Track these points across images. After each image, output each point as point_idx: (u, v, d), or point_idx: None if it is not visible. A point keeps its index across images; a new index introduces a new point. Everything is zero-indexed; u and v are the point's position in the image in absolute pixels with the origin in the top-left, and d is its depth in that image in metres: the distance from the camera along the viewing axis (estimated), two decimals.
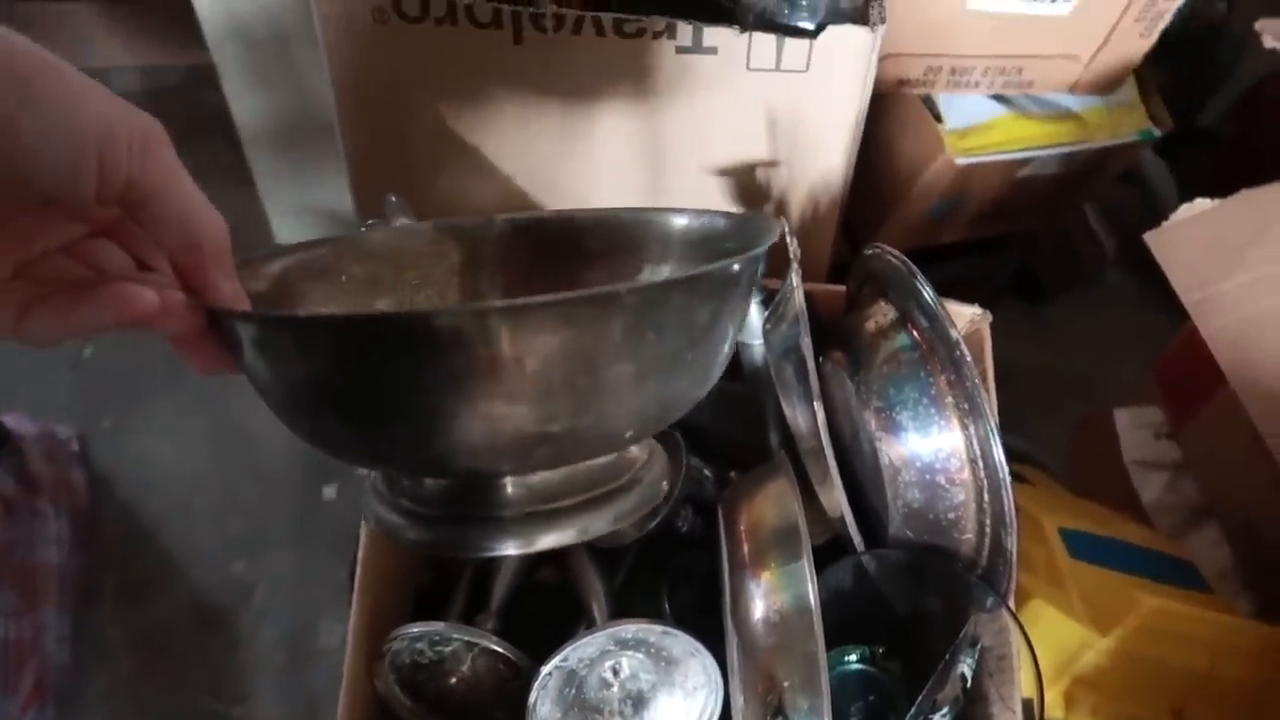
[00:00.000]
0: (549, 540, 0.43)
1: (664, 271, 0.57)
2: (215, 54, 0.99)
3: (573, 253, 0.59)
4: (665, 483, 0.51)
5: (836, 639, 0.62)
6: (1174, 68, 1.26)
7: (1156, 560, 0.78)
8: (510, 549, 0.43)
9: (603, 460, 0.47)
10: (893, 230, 1.04)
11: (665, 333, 0.38)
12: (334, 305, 0.53)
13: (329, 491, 1.20)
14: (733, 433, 0.74)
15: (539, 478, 0.44)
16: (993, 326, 1.26)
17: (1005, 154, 0.93)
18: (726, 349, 0.45)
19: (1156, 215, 0.78)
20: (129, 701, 1.06)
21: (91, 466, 1.19)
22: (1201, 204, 0.76)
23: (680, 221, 0.56)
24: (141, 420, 1.24)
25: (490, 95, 0.67)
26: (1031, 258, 1.29)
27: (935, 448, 0.54)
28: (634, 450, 0.51)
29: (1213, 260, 0.73)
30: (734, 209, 0.73)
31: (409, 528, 0.45)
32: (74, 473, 1.16)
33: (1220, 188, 0.76)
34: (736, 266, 0.40)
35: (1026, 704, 0.57)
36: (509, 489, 0.44)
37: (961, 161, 0.90)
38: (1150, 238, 0.77)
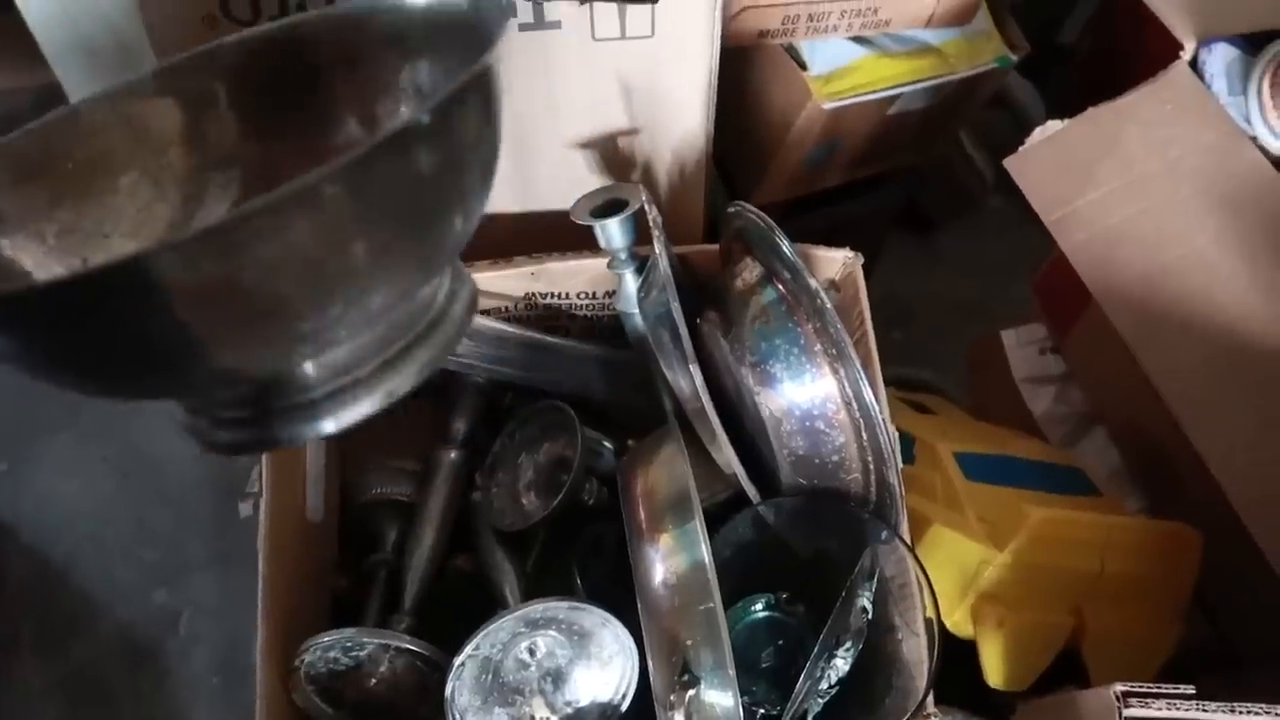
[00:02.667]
0: (358, 412, 0.42)
1: (422, 67, 0.50)
2: (59, 72, 0.95)
3: (311, 70, 0.52)
4: (468, 304, 0.48)
5: (745, 590, 0.63)
6: None
7: (1047, 471, 0.82)
8: (325, 428, 0.42)
9: (393, 317, 0.43)
10: (774, 181, 1.05)
11: (398, 189, 0.35)
12: (64, 211, 0.48)
13: (244, 508, 1.18)
14: (627, 399, 0.75)
15: (334, 354, 0.41)
16: (887, 262, 1.29)
17: (871, 94, 0.95)
18: (480, 176, 0.41)
19: (1028, 136, 0.80)
20: None
21: None
22: (1053, 125, 0.78)
23: (416, 5, 0.49)
24: (40, 459, 1.19)
25: None
26: (916, 191, 1.32)
27: (810, 395, 0.55)
28: (424, 292, 0.45)
29: (1067, 179, 0.76)
30: (601, 181, 0.73)
31: (222, 433, 0.43)
32: None
33: (1085, 103, 0.78)
34: (433, 113, 0.35)
35: (928, 624, 0.59)
36: (309, 371, 0.41)
37: (829, 106, 0.92)
38: (1009, 163, 0.80)
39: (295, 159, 0.51)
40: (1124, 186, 0.74)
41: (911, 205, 1.36)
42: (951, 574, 0.71)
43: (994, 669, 0.71)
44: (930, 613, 0.58)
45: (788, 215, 1.08)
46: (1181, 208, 0.73)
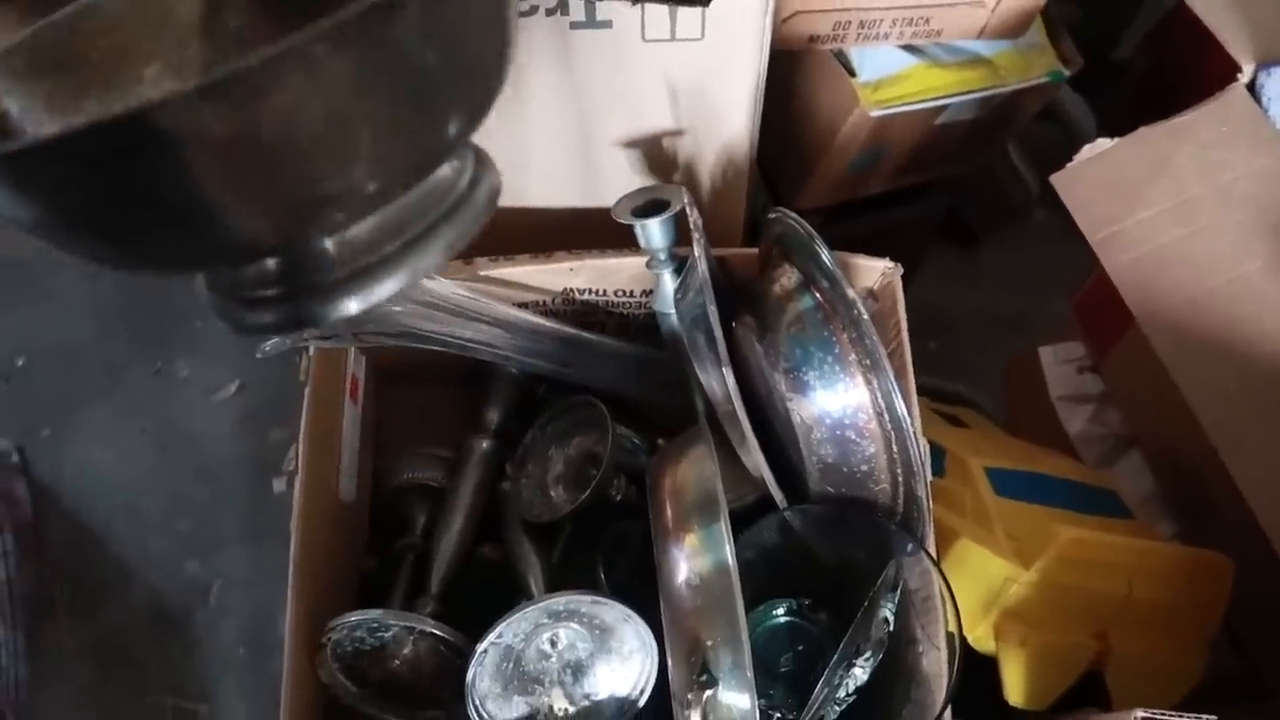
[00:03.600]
0: (381, 290, 0.42)
1: None
2: None
3: None
4: (491, 192, 0.48)
5: (767, 594, 0.64)
6: (1086, 3, 1.28)
7: (1079, 491, 0.81)
8: (350, 307, 0.42)
9: (416, 194, 0.43)
10: (817, 186, 1.05)
11: (403, 57, 0.35)
12: (91, 101, 0.48)
13: (278, 485, 1.20)
14: (659, 399, 0.75)
15: (356, 231, 0.42)
16: (927, 272, 1.28)
17: (920, 103, 0.94)
18: (500, 47, 0.42)
19: (1076, 152, 0.79)
20: (92, 709, 1.06)
21: (33, 478, 1.18)
22: (1103, 144, 0.78)
23: None
24: (81, 428, 1.22)
25: None
26: (959, 202, 1.31)
27: (842, 404, 0.56)
28: (446, 173, 0.46)
29: (1115, 199, 0.75)
30: (643, 180, 0.74)
31: (249, 313, 0.43)
32: (15, 484, 1.14)
33: (1136, 120, 0.77)
34: None
35: (950, 638, 0.59)
36: (332, 250, 0.42)
37: (876, 114, 0.91)
38: (1057, 179, 0.79)
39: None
40: (1173, 209, 0.73)
41: (954, 217, 1.35)
42: (976, 589, 0.71)
43: (1014, 687, 0.70)
44: (952, 627, 0.58)
45: (830, 221, 1.08)
46: (1232, 233, 0.72)
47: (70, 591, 1.13)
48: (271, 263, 0.43)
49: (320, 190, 0.36)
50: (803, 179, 1.04)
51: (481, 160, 0.48)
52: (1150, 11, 1.34)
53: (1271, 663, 0.79)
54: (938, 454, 0.83)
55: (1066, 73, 1.01)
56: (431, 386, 0.83)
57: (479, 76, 0.40)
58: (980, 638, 0.72)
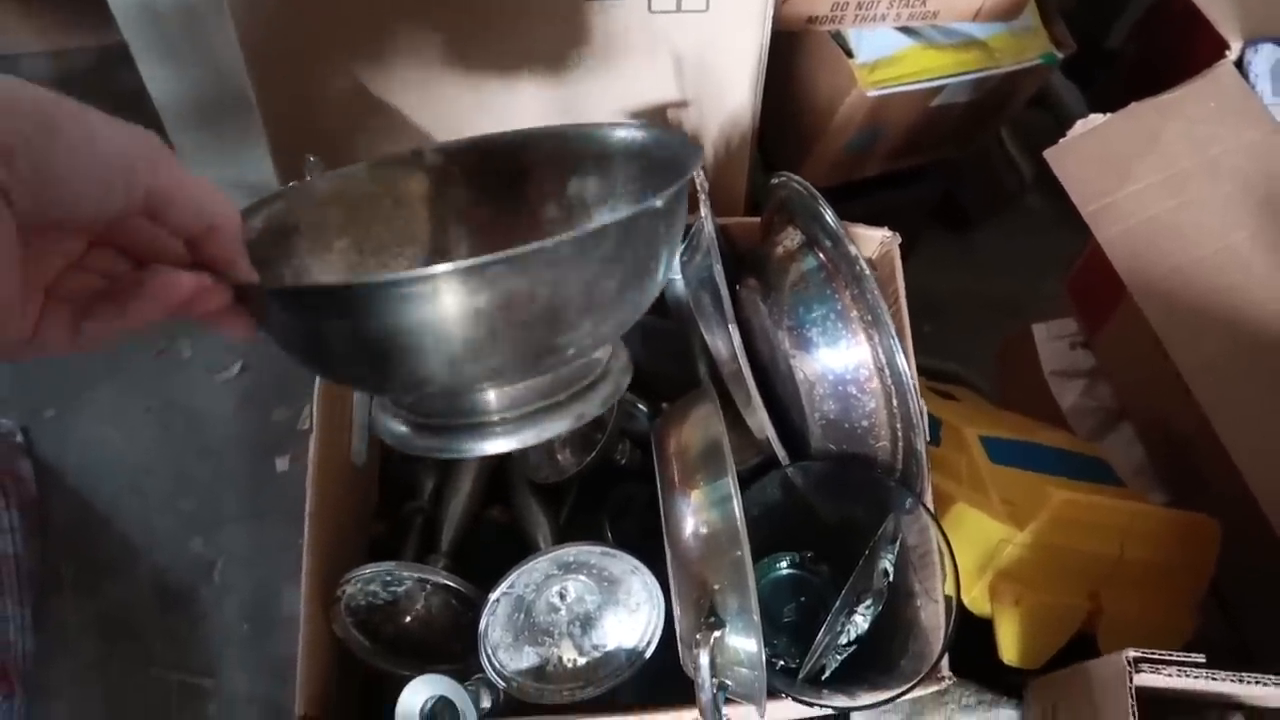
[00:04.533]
0: (550, 430, 0.52)
1: (590, 183, 0.62)
2: (126, 34, 0.98)
3: (514, 169, 0.63)
4: (628, 374, 0.59)
5: (771, 550, 0.65)
6: None
7: (1071, 460, 0.83)
8: (514, 444, 0.51)
9: (583, 359, 0.54)
10: (815, 166, 1.07)
11: (616, 262, 0.44)
12: (307, 257, 0.59)
13: (281, 464, 1.21)
14: (664, 367, 0.77)
15: (533, 382, 0.51)
16: (923, 256, 1.30)
17: (916, 84, 0.96)
18: (677, 248, 0.52)
19: None
20: (97, 683, 1.07)
21: (38, 457, 1.19)
22: (1095, 119, 0.80)
23: (616, 134, 0.60)
24: (84, 408, 1.23)
25: (403, 52, 0.69)
26: (954, 186, 1.33)
27: (845, 360, 0.57)
28: (599, 354, 0.57)
29: (1106, 172, 0.77)
30: None
31: (415, 437, 0.53)
32: (20, 464, 1.15)
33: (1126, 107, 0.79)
34: (664, 200, 0.45)
35: (947, 598, 0.61)
36: (508, 393, 0.51)
37: (873, 94, 0.93)
38: (1050, 154, 0.81)
39: (511, 222, 0.64)
40: (1163, 181, 0.75)
41: (950, 202, 1.37)
42: (972, 552, 0.73)
43: (1009, 646, 0.72)
44: (950, 579, 0.60)
45: (827, 199, 1.10)
46: (1220, 205, 0.74)
47: (75, 568, 1.14)
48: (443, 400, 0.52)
49: (559, 340, 0.45)
50: (800, 159, 1.06)
51: (618, 349, 0.59)
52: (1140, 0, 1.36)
53: (1257, 628, 0.82)
54: (934, 424, 0.84)
55: (1059, 55, 1.03)
56: None
57: (662, 270, 0.50)
58: (976, 599, 0.73)
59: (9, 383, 1.24)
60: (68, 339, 0.36)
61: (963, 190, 1.36)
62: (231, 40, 0.69)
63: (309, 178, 0.64)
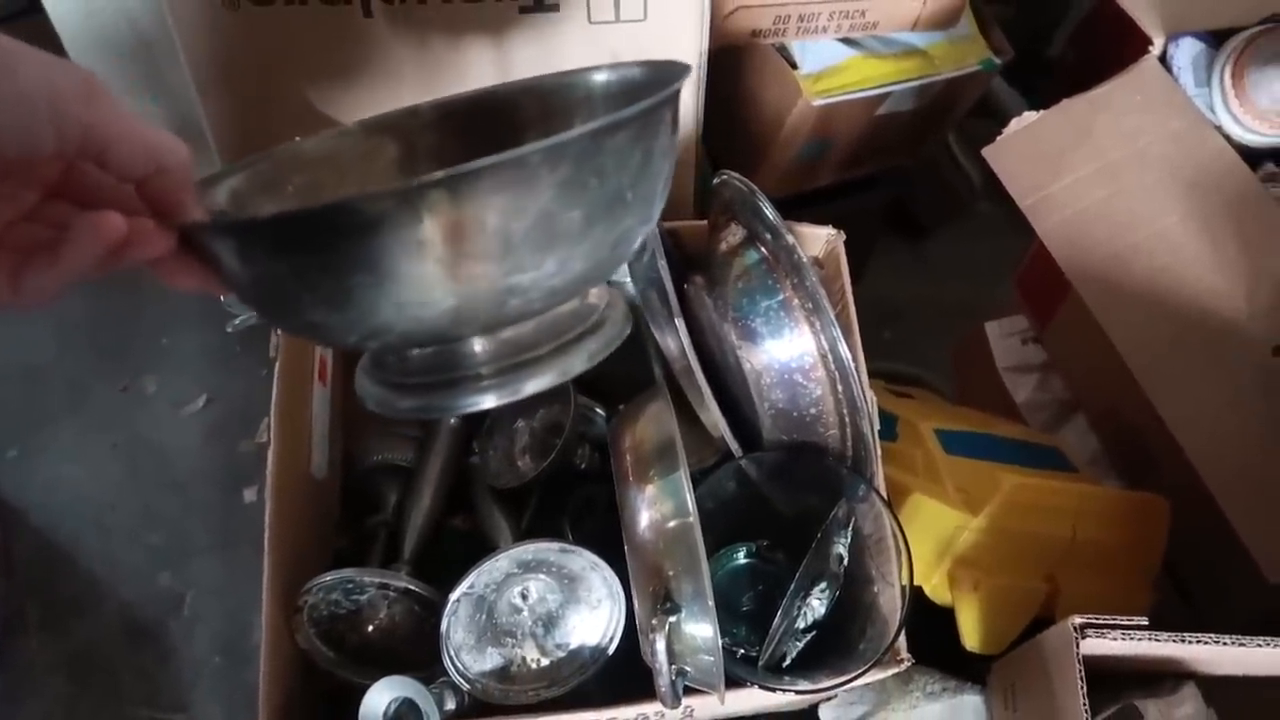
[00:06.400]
0: (532, 385, 0.47)
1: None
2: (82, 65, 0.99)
3: (507, 127, 0.60)
4: (626, 325, 0.55)
5: (727, 542, 0.66)
6: (1020, 3, 1.34)
7: (1025, 449, 0.85)
8: (495, 400, 0.47)
9: (568, 307, 0.50)
10: (767, 178, 1.09)
11: (577, 188, 0.40)
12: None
13: (249, 494, 1.21)
14: (620, 372, 0.78)
15: (512, 332, 0.47)
16: (878, 265, 1.32)
17: (860, 92, 0.99)
18: (663, 185, 0.48)
19: None
20: None
21: (0, 498, 1.18)
22: (1029, 117, 0.82)
23: (599, 77, 0.58)
24: (47, 446, 1.22)
25: (349, 71, 0.70)
26: (906, 195, 1.35)
27: (789, 349, 0.59)
28: (594, 295, 0.54)
29: (1042, 166, 0.80)
30: None
31: (399, 398, 0.49)
32: None
33: None
34: (659, 101, 0.42)
35: (903, 582, 0.62)
36: (486, 347, 0.47)
37: (819, 103, 0.96)
38: (988, 152, 0.83)
39: None
40: (1095, 172, 0.78)
41: (903, 211, 1.40)
42: (929, 541, 0.74)
43: (970, 632, 0.73)
44: (904, 563, 0.61)
45: (781, 210, 1.12)
46: (1150, 191, 0.76)
47: (41, 608, 1.13)
48: (422, 354, 0.49)
49: (522, 280, 0.41)
50: (752, 171, 1.07)
51: (615, 300, 0.55)
52: (1079, 8, 1.41)
53: (1210, 602, 0.83)
54: (889, 420, 0.86)
55: (998, 61, 1.06)
56: None
57: (649, 204, 0.46)
58: (936, 587, 0.74)
59: None
60: (8, 292, 0.35)
61: (915, 199, 1.39)
62: (183, 72, 0.70)
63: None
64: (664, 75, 0.51)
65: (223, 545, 1.18)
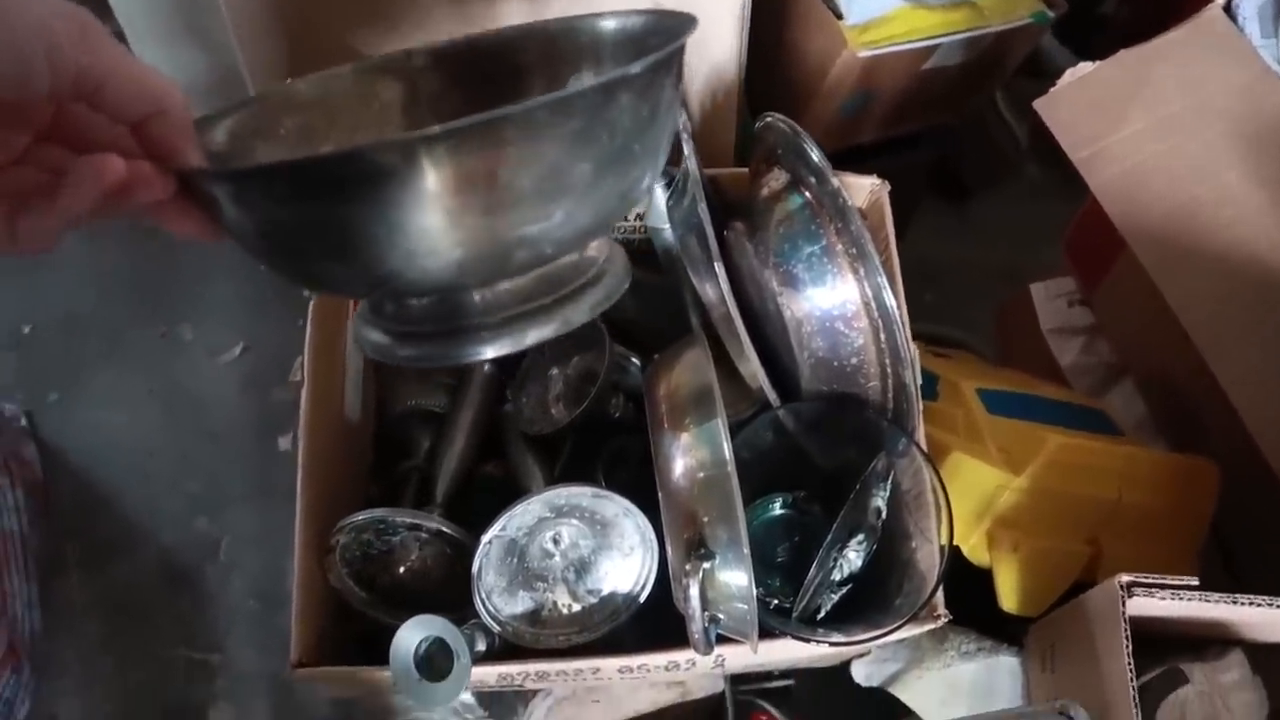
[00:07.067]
0: (534, 335, 0.47)
1: (587, 80, 0.57)
2: (122, 19, 0.98)
3: (508, 72, 0.59)
4: (625, 278, 0.54)
5: (763, 493, 0.65)
6: None
7: (1070, 410, 0.83)
8: (496, 350, 0.46)
9: (570, 258, 0.50)
10: (810, 131, 1.06)
11: (588, 142, 0.40)
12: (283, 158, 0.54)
13: (284, 443, 1.22)
14: (657, 323, 0.77)
15: (514, 283, 0.47)
16: (921, 226, 1.30)
17: (907, 44, 0.96)
18: (668, 137, 0.48)
19: None
20: (105, 660, 1.08)
21: (42, 440, 1.19)
22: (1084, 68, 0.79)
23: (605, 24, 0.56)
24: (87, 392, 1.24)
25: (388, 15, 0.69)
26: (951, 155, 1.32)
27: (832, 296, 0.57)
28: (594, 247, 0.53)
29: (1097, 118, 0.77)
30: None
31: (399, 346, 0.48)
32: (25, 447, 1.16)
33: None
34: (642, 68, 0.41)
35: (943, 539, 0.61)
36: (489, 296, 0.47)
37: (864, 54, 0.93)
38: (1040, 104, 0.80)
39: None
40: (1154, 125, 0.75)
41: (947, 172, 1.37)
42: (968, 500, 0.72)
43: (1008, 594, 0.72)
44: (945, 518, 0.59)
45: None
46: (1210, 145, 0.73)
47: (81, 549, 1.15)
48: (423, 303, 0.48)
49: (529, 231, 0.41)
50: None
51: (614, 247, 0.55)
52: None
53: (1256, 573, 0.81)
54: (930, 379, 0.84)
55: (1051, 15, 1.03)
56: None
57: (655, 157, 0.46)
58: (974, 548, 0.73)
59: (11, 369, 1.24)
60: (4, 239, 0.35)
61: (960, 159, 1.36)
62: (225, 23, 0.69)
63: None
64: (670, 25, 0.51)
65: (259, 493, 1.19)
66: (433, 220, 0.38)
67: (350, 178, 0.36)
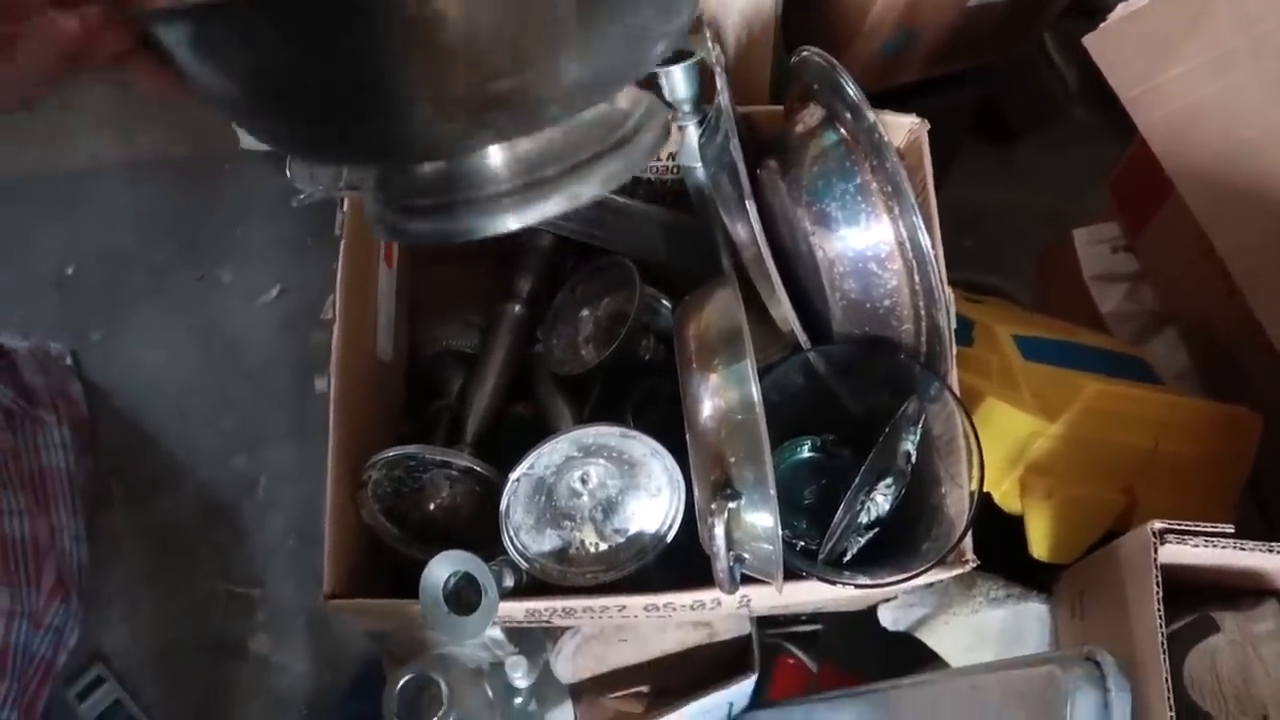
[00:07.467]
0: (543, 210, 0.41)
1: None
2: None
3: None
4: (656, 137, 0.46)
5: (793, 435, 0.65)
6: None
7: (1109, 358, 0.81)
8: (508, 224, 0.41)
9: (587, 119, 0.43)
10: (849, 71, 1.04)
11: None
12: None
13: (320, 384, 1.23)
14: (688, 266, 0.76)
15: (524, 147, 0.42)
16: (963, 170, 1.27)
17: None
18: None
19: None
20: (149, 592, 1.11)
21: (86, 378, 1.22)
22: (1137, 2, 0.76)
23: None
24: (129, 331, 1.26)
25: None
26: (995, 96, 1.29)
27: (865, 237, 0.56)
28: (622, 105, 0.46)
29: (1148, 55, 0.74)
30: None
31: (409, 221, 0.44)
32: (70, 384, 1.19)
33: None
34: None
35: (973, 485, 0.60)
36: (497, 163, 0.42)
37: None
38: (1089, 40, 0.78)
39: None
40: (1208, 63, 0.72)
41: (992, 115, 1.33)
42: (1002, 445, 0.71)
43: (1039, 540, 0.71)
44: (976, 462, 0.59)
45: None
46: (1269, 85, 0.70)
47: (125, 484, 1.18)
48: (433, 171, 0.43)
49: (502, 86, 0.35)
50: None
51: (652, 107, 0.47)
52: None
53: None
54: (965, 324, 0.83)
55: None
56: (464, 265, 0.84)
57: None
58: (1006, 494, 0.72)
59: (56, 309, 1.27)
60: None
61: (1005, 100, 1.32)
62: None
63: None
64: None
65: (296, 433, 1.21)
66: (413, 58, 0.33)
67: (316, 10, 0.32)
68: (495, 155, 0.41)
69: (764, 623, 0.83)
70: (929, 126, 0.70)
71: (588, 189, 0.42)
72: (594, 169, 0.42)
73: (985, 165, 1.34)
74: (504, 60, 0.35)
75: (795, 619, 0.87)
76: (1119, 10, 0.77)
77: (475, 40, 0.34)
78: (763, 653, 0.80)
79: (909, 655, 0.76)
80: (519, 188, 0.41)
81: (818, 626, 0.88)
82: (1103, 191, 1.03)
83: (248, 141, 1.31)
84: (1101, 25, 0.77)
